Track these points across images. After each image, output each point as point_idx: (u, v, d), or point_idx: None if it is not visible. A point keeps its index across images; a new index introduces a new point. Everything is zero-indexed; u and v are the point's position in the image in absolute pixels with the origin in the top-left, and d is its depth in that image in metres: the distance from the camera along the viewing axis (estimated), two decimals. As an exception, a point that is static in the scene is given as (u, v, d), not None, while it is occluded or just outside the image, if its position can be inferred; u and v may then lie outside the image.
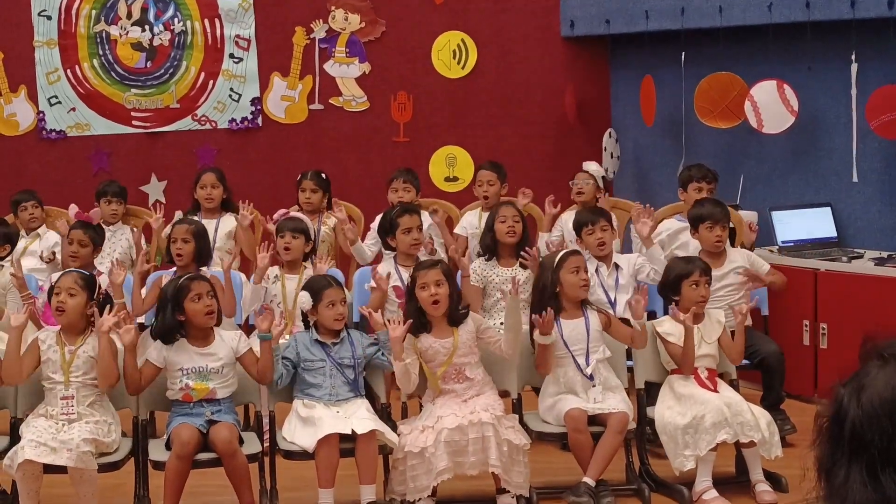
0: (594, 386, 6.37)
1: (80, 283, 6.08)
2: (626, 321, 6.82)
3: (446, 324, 6.27)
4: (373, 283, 7.44)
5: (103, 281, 7.14)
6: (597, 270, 7.32)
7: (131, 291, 7.57)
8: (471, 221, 8.69)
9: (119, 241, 8.52)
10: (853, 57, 7.94)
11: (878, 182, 8.18)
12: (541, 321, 6.20)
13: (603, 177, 8.70)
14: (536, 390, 6.73)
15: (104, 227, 8.22)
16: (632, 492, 6.39)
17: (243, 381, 6.20)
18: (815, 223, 8.40)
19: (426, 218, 8.31)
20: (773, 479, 6.30)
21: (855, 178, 8.10)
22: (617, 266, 7.49)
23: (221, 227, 8.41)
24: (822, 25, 8.11)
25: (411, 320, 6.18)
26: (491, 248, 7.59)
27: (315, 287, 6.30)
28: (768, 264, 7.54)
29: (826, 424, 1.97)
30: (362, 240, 8.45)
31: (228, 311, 7.12)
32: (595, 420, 6.27)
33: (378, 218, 7.92)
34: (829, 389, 1.99)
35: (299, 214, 7.86)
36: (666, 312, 7.09)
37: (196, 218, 8.21)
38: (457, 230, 8.81)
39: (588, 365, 6.39)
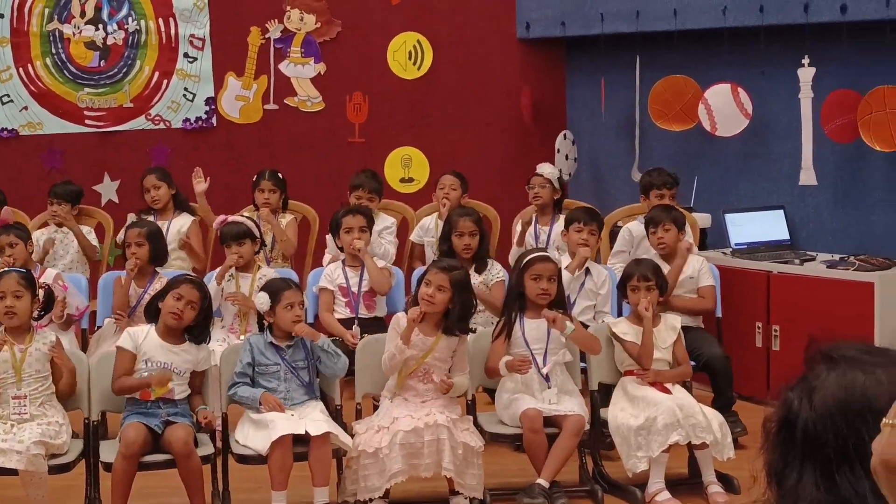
0: (550, 388, 6.39)
1: (22, 283, 6.08)
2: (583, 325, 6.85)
3: (435, 325, 6.28)
4: (322, 285, 7.48)
5: (48, 275, 7.15)
6: (566, 267, 7.27)
7: (86, 292, 7.60)
8: (428, 227, 8.64)
9: (71, 242, 8.43)
10: (805, 61, 7.99)
11: (830, 185, 8.23)
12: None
13: (559, 177, 8.67)
14: (490, 392, 6.75)
15: (56, 227, 8.18)
16: (585, 493, 6.42)
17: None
18: (769, 226, 8.44)
19: (382, 220, 8.33)
20: (726, 481, 6.34)
21: (814, 182, 8.14)
22: (588, 271, 7.49)
23: (173, 227, 8.37)
24: (776, 29, 8.16)
25: (421, 310, 6.19)
26: (448, 255, 7.60)
27: (273, 288, 6.29)
28: (712, 281, 7.56)
29: (775, 429, 1.98)
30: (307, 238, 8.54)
31: None
32: (550, 422, 6.28)
33: None
34: (776, 393, 2.00)
35: (238, 217, 7.80)
36: (621, 314, 7.17)
37: (151, 219, 8.18)
38: (412, 237, 8.77)
39: (545, 365, 6.42)
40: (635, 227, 8.10)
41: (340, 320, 7.45)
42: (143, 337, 6.11)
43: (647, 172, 8.35)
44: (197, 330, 6.20)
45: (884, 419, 1.77)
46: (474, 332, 6.68)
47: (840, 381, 1.94)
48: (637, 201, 8.36)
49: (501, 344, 6.46)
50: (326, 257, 8.27)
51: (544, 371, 6.41)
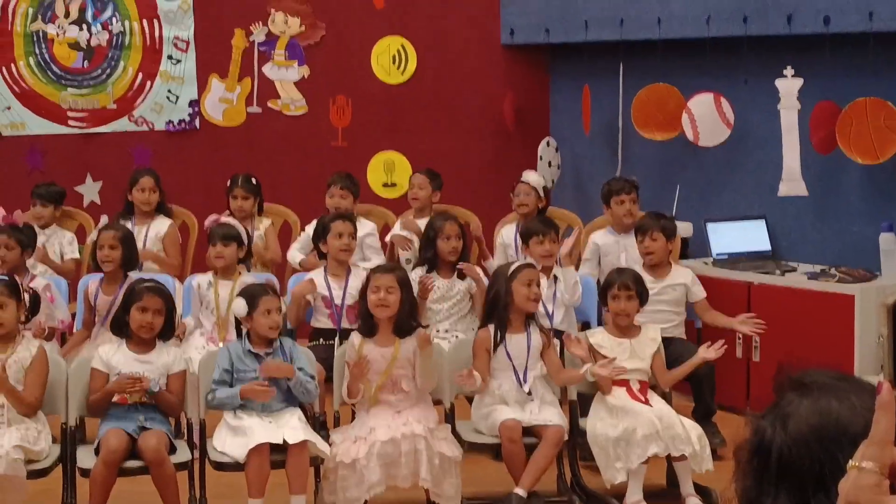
0: (531, 401, 6.39)
1: (5, 292, 6.05)
2: (560, 333, 6.85)
3: (391, 332, 6.25)
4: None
5: (38, 283, 7.10)
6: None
7: (66, 294, 7.56)
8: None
9: (53, 244, 8.40)
10: (788, 72, 7.98)
11: (811, 196, 8.22)
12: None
13: (544, 186, 8.63)
14: (469, 398, 6.73)
15: (37, 228, 8.13)
16: (563, 503, 6.41)
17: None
18: (750, 236, 8.45)
19: (364, 226, 8.27)
20: (704, 493, 6.32)
21: (803, 192, 8.11)
22: (556, 278, 7.49)
23: (153, 231, 8.34)
24: (759, 40, 8.16)
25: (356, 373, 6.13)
26: (432, 261, 7.60)
27: (251, 294, 6.26)
28: (704, 294, 7.57)
29: (747, 457, 1.97)
30: (290, 242, 8.46)
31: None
32: (529, 431, 6.28)
33: (313, 223, 7.88)
34: (747, 422, 2.00)
35: (231, 220, 7.77)
36: (600, 323, 7.17)
37: (127, 222, 8.14)
38: (390, 237, 8.71)
39: (526, 382, 6.41)
40: (600, 237, 8.10)
41: (322, 330, 7.40)
42: (114, 353, 6.12)
43: (606, 183, 8.33)
44: (164, 330, 6.22)
45: (850, 461, 1.76)
46: (426, 326, 6.62)
47: (814, 407, 1.94)
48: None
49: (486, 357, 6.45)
50: (296, 254, 8.21)
51: (526, 388, 6.41)
